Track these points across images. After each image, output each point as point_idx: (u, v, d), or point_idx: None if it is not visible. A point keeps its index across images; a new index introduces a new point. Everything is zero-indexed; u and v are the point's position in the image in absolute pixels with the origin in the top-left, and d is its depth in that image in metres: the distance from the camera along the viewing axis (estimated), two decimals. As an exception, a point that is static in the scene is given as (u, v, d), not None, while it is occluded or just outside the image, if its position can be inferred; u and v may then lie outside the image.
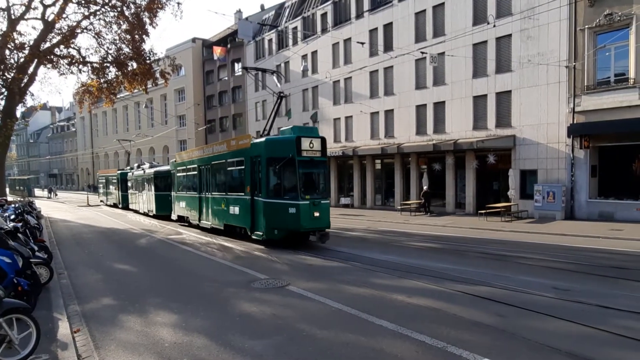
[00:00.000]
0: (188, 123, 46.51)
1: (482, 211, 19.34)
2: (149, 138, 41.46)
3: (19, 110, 27.01)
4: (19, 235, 8.14)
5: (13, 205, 16.23)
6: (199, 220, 17.31)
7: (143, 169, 26.94)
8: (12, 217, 12.07)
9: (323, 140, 12.50)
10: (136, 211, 28.15)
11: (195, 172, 17.66)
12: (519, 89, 19.99)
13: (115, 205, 34.02)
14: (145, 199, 25.81)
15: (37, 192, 59.66)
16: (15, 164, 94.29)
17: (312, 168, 12.40)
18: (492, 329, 5.53)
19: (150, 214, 24.52)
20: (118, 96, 27.42)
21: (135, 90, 25.25)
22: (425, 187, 23.24)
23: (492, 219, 18.79)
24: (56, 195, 53.09)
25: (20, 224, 10.25)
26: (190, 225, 18.78)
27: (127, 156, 39.65)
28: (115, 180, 33.72)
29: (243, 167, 13.56)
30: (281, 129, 13.57)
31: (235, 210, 14.08)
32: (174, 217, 20.95)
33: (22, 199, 29.24)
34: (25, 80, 20.68)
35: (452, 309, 6.36)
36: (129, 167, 33.41)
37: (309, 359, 4.76)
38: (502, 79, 20.68)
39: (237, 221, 14.14)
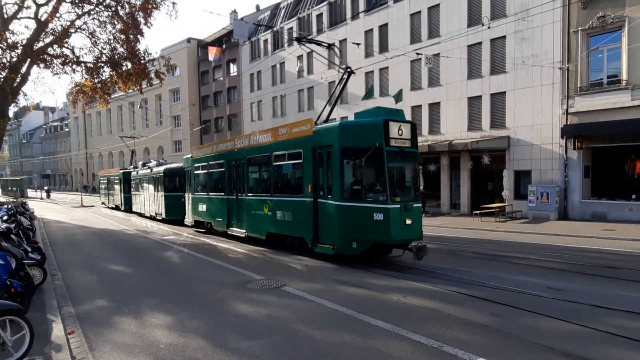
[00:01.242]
0: (183, 123, 46.31)
1: (477, 211, 19.44)
2: (144, 138, 41.21)
3: (12, 110, 26.72)
4: (12, 236, 8.08)
5: (5, 206, 16.12)
6: (228, 226, 14.67)
7: (150, 167, 24.64)
8: (5, 218, 11.98)
9: (413, 127, 9.94)
10: (141, 214, 26.10)
11: (223, 169, 15.09)
12: (513, 90, 20.13)
13: (117, 208, 31.98)
14: (152, 201, 23.54)
15: (30, 193, 59.01)
16: (7, 164, 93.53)
17: (402, 162, 9.96)
18: (486, 329, 5.56)
19: (159, 217, 22.33)
20: (112, 96, 27.18)
21: (130, 91, 25.05)
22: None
23: (487, 219, 18.89)
24: (49, 196, 52.30)
25: (13, 225, 10.17)
26: (212, 232, 16.45)
27: (130, 155, 38.40)
28: (117, 181, 31.66)
29: (300, 160, 10.96)
30: (356, 112, 11.10)
31: (286, 215, 11.51)
32: (188, 221, 18.45)
33: (14, 200, 29.06)
34: (18, 80, 20.45)
35: (447, 308, 6.38)
36: (132, 166, 31.45)
37: (306, 359, 4.76)
38: (496, 80, 20.80)
39: (289, 230, 11.51)
